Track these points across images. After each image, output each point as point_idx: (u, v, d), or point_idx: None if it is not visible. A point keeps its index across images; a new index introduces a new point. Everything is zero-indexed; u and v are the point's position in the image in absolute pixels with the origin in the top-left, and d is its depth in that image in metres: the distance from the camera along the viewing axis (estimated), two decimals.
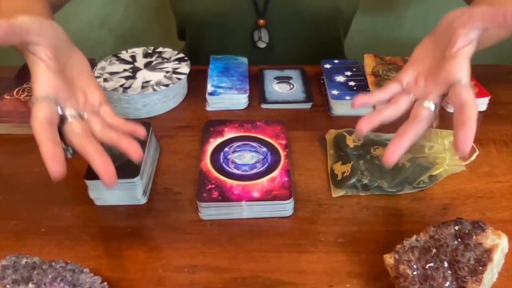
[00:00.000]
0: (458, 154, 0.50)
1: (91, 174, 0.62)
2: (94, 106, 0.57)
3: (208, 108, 0.80)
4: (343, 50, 1.06)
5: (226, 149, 0.68)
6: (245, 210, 0.61)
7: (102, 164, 0.51)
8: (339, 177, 0.66)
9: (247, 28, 0.94)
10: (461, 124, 0.49)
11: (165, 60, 0.84)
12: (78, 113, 0.55)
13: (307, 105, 0.81)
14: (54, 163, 0.49)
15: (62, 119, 0.54)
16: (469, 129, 0.49)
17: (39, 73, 0.53)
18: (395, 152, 0.53)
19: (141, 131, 0.57)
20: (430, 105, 0.55)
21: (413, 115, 0.55)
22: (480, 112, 0.79)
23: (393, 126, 0.75)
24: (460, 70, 0.53)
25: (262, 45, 0.95)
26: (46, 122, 0.51)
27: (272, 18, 0.93)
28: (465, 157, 0.51)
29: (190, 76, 0.82)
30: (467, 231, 0.51)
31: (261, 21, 0.93)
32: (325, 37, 0.98)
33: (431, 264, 0.49)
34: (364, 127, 0.56)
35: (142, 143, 0.66)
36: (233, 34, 0.95)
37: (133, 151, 0.54)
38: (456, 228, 0.52)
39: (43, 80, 0.53)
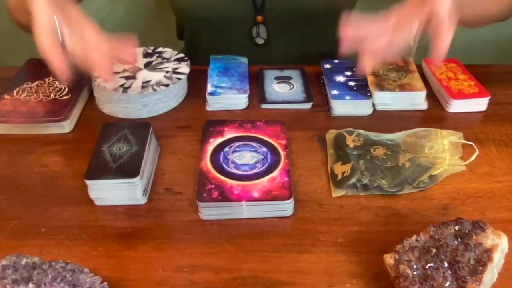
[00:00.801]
0: (434, 57, 0.62)
1: (91, 174, 0.62)
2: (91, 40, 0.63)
3: (208, 108, 0.80)
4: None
5: (226, 149, 0.68)
6: (245, 210, 0.61)
7: (104, 66, 0.62)
8: (339, 177, 0.66)
9: (246, 25, 0.94)
10: (436, 49, 0.61)
11: (165, 60, 0.84)
12: (77, 35, 0.62)
13: (307, 105, 0.81)
14: (62, 70, 0.60)
15: (63, 45, 0.61)
16: (440, 53, 0.61)
17: (40, 5, 0.61)
18: (368, 62, 0.64)
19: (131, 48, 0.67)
20: (414, 24, 0.63)
21: (393, 36, 0.64)
22: (480, 112, 0.79)
23: (393, 126, 0.75)
24: (442, 5, 0.61)
25: (260, 41, 0.95)
26: (51, 42, 0.60)
27: (270, 14, 0.93)
28: (439, 63, 0.65)
29: (190, 76, 0.82)
30: (467, 231, 0.51)
31: (259, 18, 0.93)
32: (323, 35, 0.98)
33: (431, 264, 0.49)
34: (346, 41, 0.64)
35: (142, 143, 0.66)
36: (232, 31, 0.95)
37: (129, 56, 0.66)
38: (456, 228, 0.52)
39: (41, 8, 0.61)
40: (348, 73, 0.84)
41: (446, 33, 0.61)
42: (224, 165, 0.65)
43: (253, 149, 0.68)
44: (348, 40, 0.65)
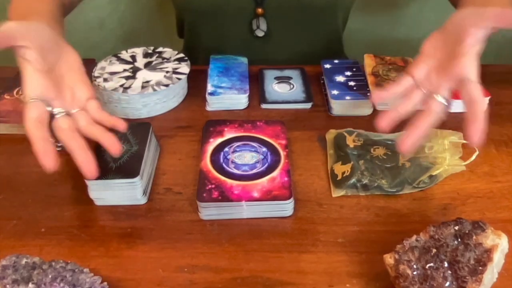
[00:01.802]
0: (471, 145, 0.55)
1: None
2: (81, 102, 0.61)
3: (208, 108, 0.80)
4: (341, 43, 1.06)
5: (226, 149, 0.68)
6: (245, 210, 0.61)
7: (83, 159, 0.56)
8: (339, 177, 0.66)
9: (246, 17, 0.94)
10: (472, 120, 0.54)
11: (165, 60, 0.84)
12: (65, 110, 0.59)
13: (307, 105, 0.81)
14: (46, 158, 0.54)
15: (51, 116, 0.58)
16: (479, 124, 0.54)
17: (27, 75, 0.57)
18: (410, 142, 0.57)
19: (121, 125, 0.61)
20: (442, 100, 0.59)
21: (427, 109, 0.59)
22: None
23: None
24: (470, 67, 0.57)
25: (260, 34, 0.95)
26: (37, 121, 0.55)
27: (270, 7, 0.93)
28: (477, 147, 0.57)
29: (190, 76, 0.82)
30: (467, 231, 0.51)
31: (259, 10, 0.93)
32: (324, 27, 0.98)
33: (431, 264, 0.49)
34: (384, 124, 0.60)
35: (142, 143, 0.66)
36: (232, 23, 0.95)
37: (111, 147, 0.58)
38: (456, 228, 0.52)
39: (31, 82, 0.57)
40: (348, 73, 0.84)
41: (480, 113, 0.54)
42: (224, 165, 0.65)
43: (253, 149, 0.68)
44: (379, 102, 0.65)
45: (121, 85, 0.78)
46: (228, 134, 0.71)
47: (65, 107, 0.59)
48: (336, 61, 0.87)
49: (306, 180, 0.67)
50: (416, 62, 0.62)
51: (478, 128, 0.54)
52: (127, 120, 0.76)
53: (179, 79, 0.80)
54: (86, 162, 0.56)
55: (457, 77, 0.57)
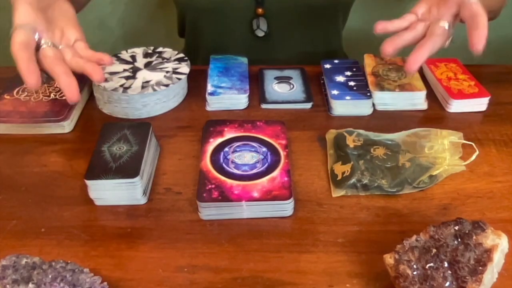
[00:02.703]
0: (473, 53, 0.60)
1: (91, 174, 0.62)
2: (70, 41, 0.65)
3: (208, 108, 0.80)
4: (341, 43, 1.06)
5: (226, 149, 0.68)
6: (245, 210, 0.61)
7: (67, 82, 0.59)
8: (339, 177, 0.66)
9: (246, 17, 0.94)
10: (475, 27, 0.59)
11: (165, 60, 0.85)
12: (52, 43, 0.62)
13: (307, 105, 0.81)
14: (30, 75, 0.57)
15: (38, 47, 0.61)
16: (482, 31, 0.59)
17: (20, 6, 0.61)
18: (416, 59, 0.62)
19: (106, 58, 0.65)
20: (444, 24, 0.64)
21: (429, 32, 0.65)
22: (480, 112, 0.79)
23: (393, 126, 0.75)
24: None
25: (260, 34, 0.95)
26: (24, 45, 0.59)
27: (271, 7, 0.93)
28: (479, 54, 0.61)
29: (190, 76, 0.82)
30: (467, 231, 0.51)
31: (260, 10, 0.93)
32: (324, 27, 0.98)
33: (431, 264, 0.49)
34: (389, 47, 0.65)
35: (142, 143, 0.66)
36: (232, 22, 0.95)
37: (94, 74, 0.62)
38: (456, 228, 0.52)
39: (22, 12, 0.61)
40: (348, 73, 0.84)
41: (483, 23, 0.59)
42: (224, 165, 0.65)
43: (253, 149, 0.68)
44: (381, 31, 0.68)
45: (121, 85, 0.78)
46: (228, 134, 0.71)
47: (53, 40, 0.62)
48: (336, 61, 0.87)
49: (306, 180, 0.67)
50: (418, 4, 0.68)
51: (481, 34, 0.58)
52: (127, 120, 0.77)
53: (179, 79, 0.80)
54: (69, 86, 0.59)
55: (457, 2, 0.63)
